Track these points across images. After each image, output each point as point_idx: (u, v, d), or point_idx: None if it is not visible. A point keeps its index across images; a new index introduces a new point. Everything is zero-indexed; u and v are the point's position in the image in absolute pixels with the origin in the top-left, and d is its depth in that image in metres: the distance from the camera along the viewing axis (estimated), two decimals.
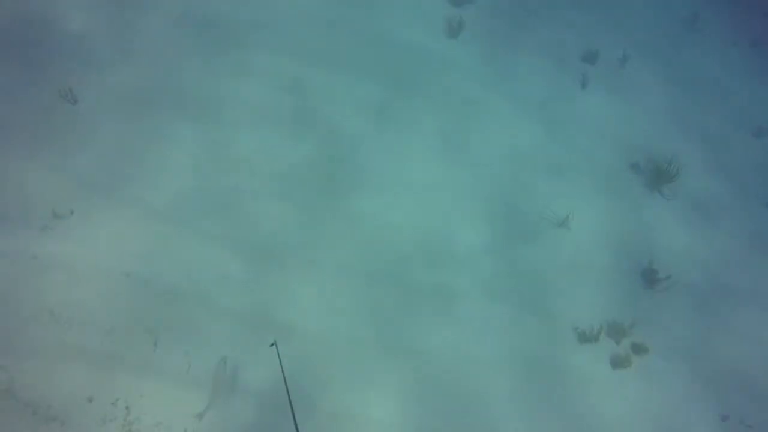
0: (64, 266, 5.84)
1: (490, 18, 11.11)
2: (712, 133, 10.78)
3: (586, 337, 7.09)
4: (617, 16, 12.39)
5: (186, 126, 7.45)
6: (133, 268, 6.08)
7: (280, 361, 3.79)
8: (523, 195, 8.51)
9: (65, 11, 8.06)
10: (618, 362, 7.01)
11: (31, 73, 7.25)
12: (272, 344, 4.01)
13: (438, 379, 6.37)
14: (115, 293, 5.86)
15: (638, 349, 7.17)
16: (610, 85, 10.90)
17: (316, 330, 6.31)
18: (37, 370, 5.21)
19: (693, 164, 9.96)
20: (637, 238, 8.57)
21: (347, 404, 5.91)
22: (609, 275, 7.99)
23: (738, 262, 8.73)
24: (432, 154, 8.48)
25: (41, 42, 7.62)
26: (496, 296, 7.24)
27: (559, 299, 7.52)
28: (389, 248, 7.25)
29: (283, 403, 5.66)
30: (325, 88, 8.66)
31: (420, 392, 6.23)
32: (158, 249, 6.30)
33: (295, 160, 7.65)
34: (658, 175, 9.15)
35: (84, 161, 6.68)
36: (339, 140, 8.11)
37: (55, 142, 6.72)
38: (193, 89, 7.89)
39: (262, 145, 7.65)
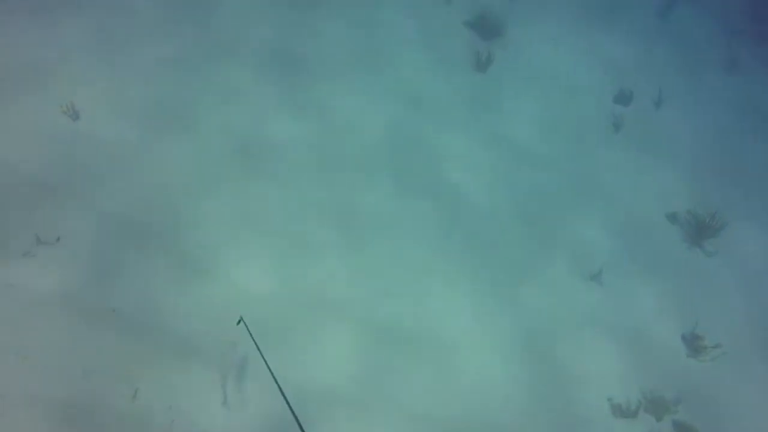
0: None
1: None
2: (759, 182, 10.04)
3: (622, 412, 6.25)
4: (653, 59, 11.85)
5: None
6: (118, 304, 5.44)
7: (252, 337, 3.56)
8: (546, 239, 7.80)
9: None
10: None
11: None
12: (239, 321, 3.73)
13: None
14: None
15: (683, 428, 6.30)
16: (644, 129, 10.27)
17: None
18: None
19: (737, 217, 9.19)
20: (676, 300, 7.77)
21: None
22: (645, 339, 7.17)
23: None
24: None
25: None
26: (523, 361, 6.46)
27: (590, 363, 6.71)
28: None
29: None
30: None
31: None
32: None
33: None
34: (699, 229, 8.40)
35: None
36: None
37: None
38: None
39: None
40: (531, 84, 10.09)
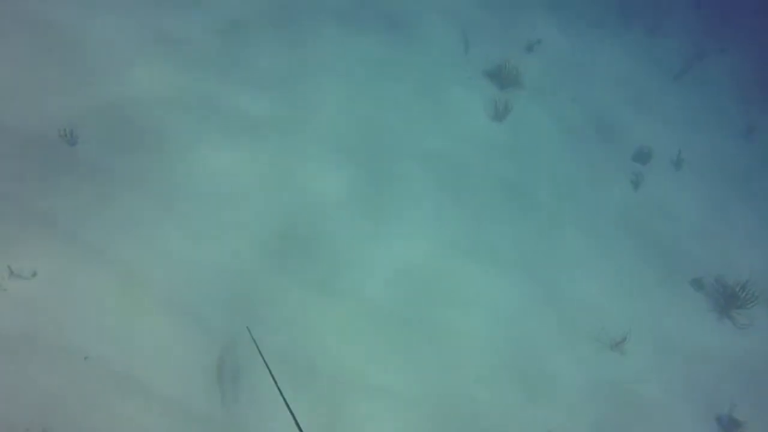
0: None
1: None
2: None
3: None
4: (674, 120, 11.65)
5: None
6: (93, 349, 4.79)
7: (258, 350, 3.37)
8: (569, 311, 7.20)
9: None
10: None
11: None
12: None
13: None
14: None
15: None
16: (663, 189, 9.89)
17: None
18: None
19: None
20: (706, 374, 7.09)
21: None
22: (677, 421, 6.45)
23: None
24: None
25: None
26: None
27: None
28: None
29: None
30: None
31: None
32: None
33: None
34: (727, 299, 7.83)
35: None
36: None
37: None
38: None
39: None
40: (547, 134, 9.80)
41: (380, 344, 5.80)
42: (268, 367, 3.23)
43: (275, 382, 3.07)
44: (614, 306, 7.48)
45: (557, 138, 9.81)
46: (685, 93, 12.70)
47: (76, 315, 4.97)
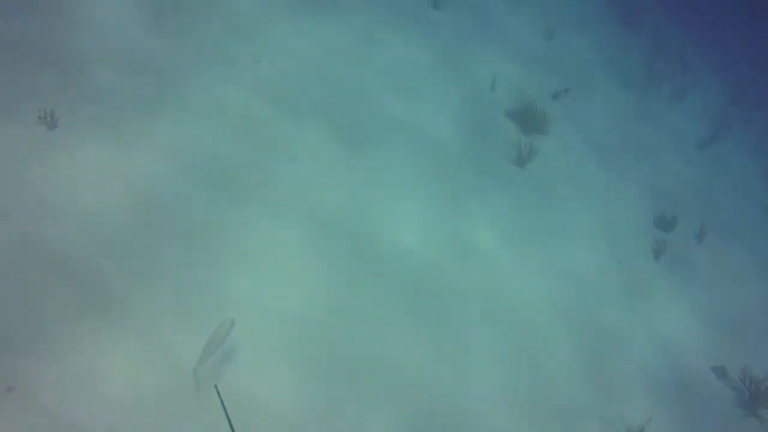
0: None
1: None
2: None
3: None
4: (697, 193, 11.08)
5: None
6: None
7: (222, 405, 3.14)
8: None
9: None
10: None
11: None
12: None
13: None
14: None
15: None
16: (686, 262, 9.21)
17: None
18: None
19: None
20: None
21: None
22: None
23: None
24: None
25: None
26: None
27: None
28: None
29: None
30: None
31: None
32: None
33: None
34: (754, 395, 7.04)
35: None
36: None
37: None
38: None
39: None
40: (566, 188, 9.14)
41: None
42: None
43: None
44: (638, 402, 6.67)
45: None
46: (709, 163, 12.22)
47: None
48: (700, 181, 11.35)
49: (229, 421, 3.04)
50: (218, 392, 3.24)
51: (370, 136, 7.51)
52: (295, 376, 4.71)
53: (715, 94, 14.71)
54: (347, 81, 8.12)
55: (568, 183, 9.20)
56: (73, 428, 3.65)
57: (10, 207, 4.51)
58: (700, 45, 17.08)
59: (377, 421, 4.78)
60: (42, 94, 5.43)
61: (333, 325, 5.23)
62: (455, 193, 7.60)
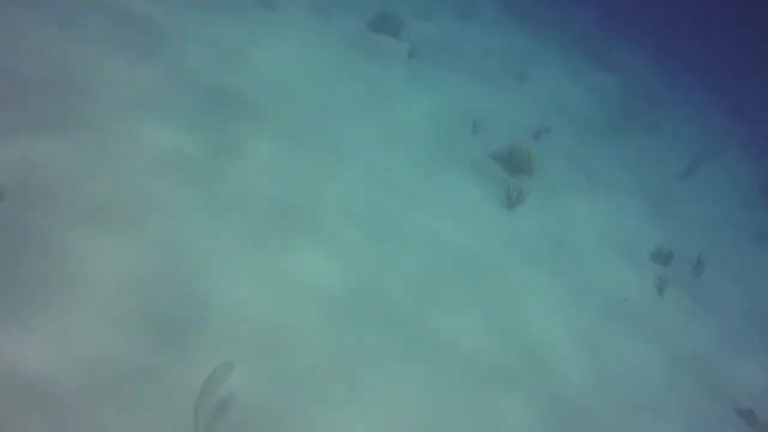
0: None
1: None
2: None
3: None
4: (686, 224, 11.00)
5: None
6: None
7: None
8: None
9: None
10: None
11: None
12: None
13: None
14: None
15: None
16: (690, 295, 8.92)
17: None
18: None
19: None
20: None
21: None
22: None
23: None
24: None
25: None
26: None
27: None
28: None
29: None
30: None
31: None
32: None
33: None
34: None
35: None
36: None
37: None
38: None
39: None
40: (558, 227, 8.91)
41: None
42: None
43: None
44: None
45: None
46: (692, 195, 12.26)
47: None
48: (688, 213, 11.31)
49: None
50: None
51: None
52: None
53: (690, 127, 15.07)
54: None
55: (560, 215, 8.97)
56: None
57: None
58: (671, 81, 17.71)
59: None
60: None
61: None
62: None
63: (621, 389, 6.49)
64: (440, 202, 7.82)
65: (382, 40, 11.17)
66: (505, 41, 14.22)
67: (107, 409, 3.61)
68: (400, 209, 7.25)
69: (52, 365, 3.64)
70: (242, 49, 8.41)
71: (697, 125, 15.52)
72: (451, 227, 7.47)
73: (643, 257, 9.33)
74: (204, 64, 7.62)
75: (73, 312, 4.01)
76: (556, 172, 10.14)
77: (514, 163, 9.41)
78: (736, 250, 11.07)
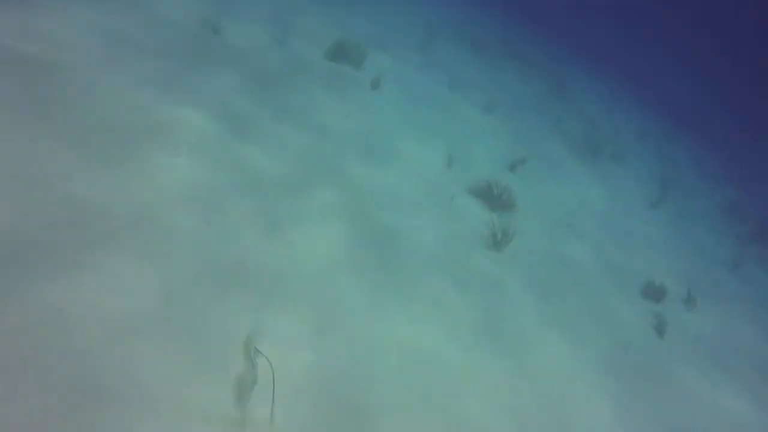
0: None
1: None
2: None
3: None
4: (667, 254, 10.55)
5: None
6: None
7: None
8: None
9: None
10: None
11: None
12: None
13: None
14: None
15: None
16: (691, 336, 8.25)
17: None
18: None
19: None
20: None
21: None
22: None
23: None
24: None
25: None
26: None
27: None
28: None
29: None
30: None
31: None
32: None
33: None
34: None
35: None
36: None
37: None
38: None
39: None
40: (546, 268, 8.08)
41: None
42: None
43: None
44: None
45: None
46: (664, 223, 11.95)
47: None
48: (668, 242, 10.89)
49: None
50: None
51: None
52: None
53: (651, 158, 15.08)
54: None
55: (546, 254, 8.15)
56: None
57: None
58: (628, 111, 17.96)
59: None
60: None
61: None
62: None
63: None
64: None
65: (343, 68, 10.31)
66: (465, 72, 13.79)
67: None
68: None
69: None
70: None
71: (656, 156, 15.60)
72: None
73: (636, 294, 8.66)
74: None
75: None
76: (533, 206, 9.43)
77: (493, 198, 8.61)
78: (712, 278, 10.69)
